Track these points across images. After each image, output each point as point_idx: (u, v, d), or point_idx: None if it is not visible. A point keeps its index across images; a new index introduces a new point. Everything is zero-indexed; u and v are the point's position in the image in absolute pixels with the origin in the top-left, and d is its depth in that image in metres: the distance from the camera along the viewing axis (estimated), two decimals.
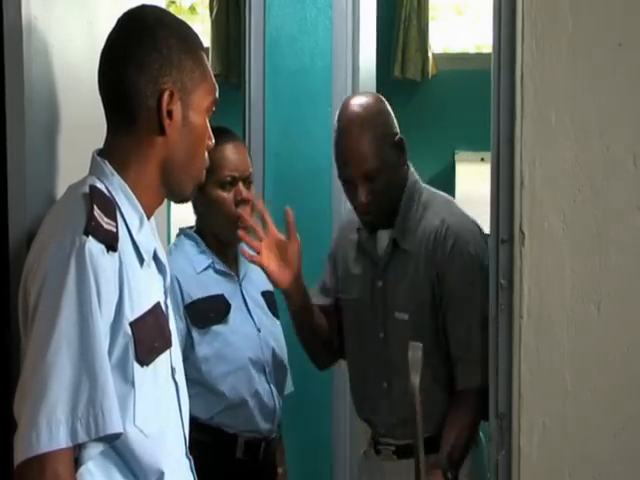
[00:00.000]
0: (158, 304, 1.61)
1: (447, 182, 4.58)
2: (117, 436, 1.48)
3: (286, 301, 2.47)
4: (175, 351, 1.68)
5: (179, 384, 1.68)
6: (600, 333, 2.11)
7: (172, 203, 1.76)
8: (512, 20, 2.13)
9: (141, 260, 1.59)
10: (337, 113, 2.44)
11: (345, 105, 2.43)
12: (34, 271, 1.50)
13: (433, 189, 2.63)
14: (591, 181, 2.11)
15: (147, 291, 1.58)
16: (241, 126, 3.29)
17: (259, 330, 2.64)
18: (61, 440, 1.42)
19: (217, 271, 2.62)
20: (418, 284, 2.43)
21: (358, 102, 2.43)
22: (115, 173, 1.59)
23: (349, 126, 2.38)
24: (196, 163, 1.65)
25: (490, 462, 2.19)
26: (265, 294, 2.69)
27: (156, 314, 1.59)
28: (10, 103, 1.68)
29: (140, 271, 1.57)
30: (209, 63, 1.71)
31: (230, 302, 2.59)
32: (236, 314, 2.60)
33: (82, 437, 1.43)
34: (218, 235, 2.61)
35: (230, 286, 2.62)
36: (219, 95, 1.69)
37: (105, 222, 1.50)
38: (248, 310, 2.63)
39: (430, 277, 2.42)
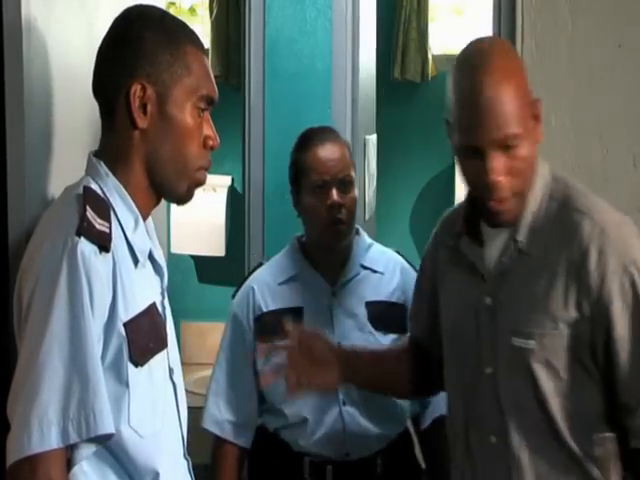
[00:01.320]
0: (153, 304, 1.61)
1: (447, 183, 4.58)
2: (109, 437, 1.48)
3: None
4: (173, 352, 1.68)
5: (177, 385, 1.68)
6: None
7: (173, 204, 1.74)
8: (512, 21, 2.13)
9: (136, 261, 1.58)
10: (460, 63, 1.85)
11: (476, 51, 1.84)
12: (27, 272, 1.50)
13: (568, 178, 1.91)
14: (591, 182, 2.11)
15: (142, 292, 1.58)
16: (240, 128, 3.29)
17: (337, 344, 2.31)
18: (52, 441, 1.42)
19: (305, 281, 2.44)
20: (553, 299, 1.78)
21: (492, 48, 1.84)
22: (110, 173, 1.58)
23: (488, 76, 1.74)
24: (183, 160, 1.61)
25: None
26: (371, 305, 2.44)
27: (151, 314, 1.59)
28: (10, 104, 1.68)
29: (135, 272, 1.57)
30: (208, 62, 1.68)
31: (309, 315, 2.40)
32: (311, 326, 2.33)
33: (73, 438, 1.43)
34: (317, 242, 2.45)
35: (317, 296, 2.43)
36: (219, 96, 1.67)
37: (98, 223, 1.50)
38: (331, 321, 2.41)
39: (576, 297, 1.77)
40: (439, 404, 2.39)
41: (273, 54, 3.16)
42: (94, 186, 1.56)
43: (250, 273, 2.55)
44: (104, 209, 1.53)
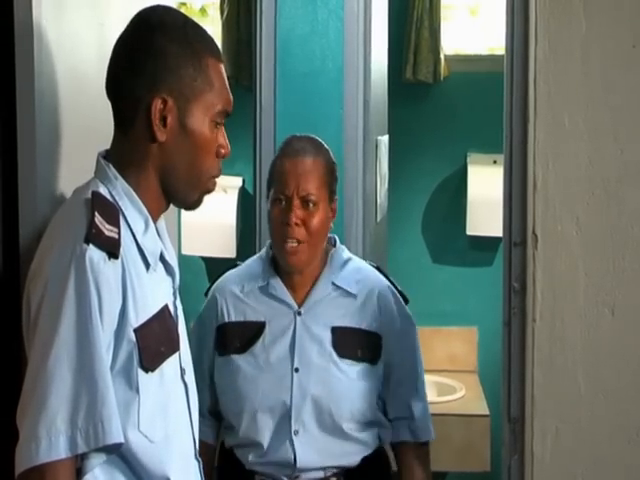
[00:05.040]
0: (165, 307, 1.60)
1: (459, 185, 4.56)
2: (118, 446, 1.47)
3: None
4: (185, 352, 1.67)
5: (189, 385, 1.67)
6: (614, 337, 2.09)
7: None
8: (525, 21, 2.12)
9: (147, 264, 1.58)
10: None
11: None
12: (36, 277, 1.50)
13: None
14: (605, 183, 2.09)
15: (153, 296, 1.57)
16: (251, 128, 3.28)
17: (296, 370, 2.28)
18: (61, 450, 1.42)
19: (271, 296, 2.34)
20: None
21: None
22: (119, 176, 1.58)
23: None
24: (198, 172, 1.62)
25: (503, 466, 2.18)
26: (338, 330, 2.31)
27: (163, 318, 1.58)
28: (21, 105, 1.68)
29: (146, 276, 1.56)
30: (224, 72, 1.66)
31: (270, 332, 2.31)
32: (273, 347, 2.30)
33: (82, 447, 1.43)
34: (277, 258, 2.34)
35: (282, 314, 2.32)
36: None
37: (107, 229, 1.49)
38: (293, 342, 2.30)
39: None
40: (421, 427, 2.38)
41: (284, 54, 3.15)
42: (103, 190, 1.55)
43: (223, 273, 2.45)
44: (113, 214, 1.52)
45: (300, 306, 2.33)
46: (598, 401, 2.09)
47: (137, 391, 1.51)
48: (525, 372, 2.11)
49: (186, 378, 1.66)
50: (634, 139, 2.09)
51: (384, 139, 3.64)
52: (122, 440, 1.46)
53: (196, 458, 1.70)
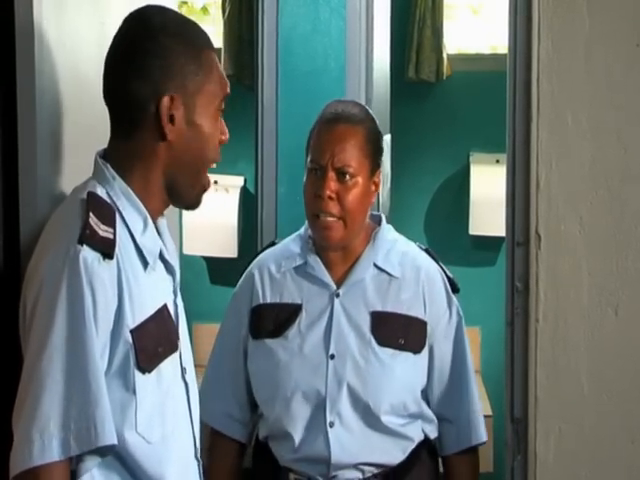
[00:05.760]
0: (164, 307, 1.60)
1: (462, 184, 4.55)
2: (111, 448, 1.47)
3: None
4: (186, 351, 1.67)
5: (189, 384, 1.67)
6: (618, 337, 2.08)
7: None
8: (528, 20, 2.11)
9: (145, 264, 1.57)
10: None
11: None
12: (31, 279, 1.50)
13: None
14: (608, 182, 2.09)
15: (152, 295, 1.57)
16: (253, 127, 3.27)
17: (332, 357, 2.14)
18: (54, 453, 1.42)
19: (309, 276, 2.18)
20: None
21: None
22: (117, 177, 1.57)
23: None
24: (202, 162, 1.62)
25: (506, 467, 2.17)
26: (377, 315, 2.15)
27: (161, 318, 1.58)
28: (21, 103, 1.68)
29: (144, 276, 1.56)
30: (220, 63, 1.68)
31: (307, 314, 2.16)
32: (309, 332, 2.15)
33: (74, 450, 1.43)
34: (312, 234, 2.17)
35: (319, 295, 2.17)
36: (231, 96, 1.67)
37: (101, 229, 1.49)
38: (330, 325, 2.15)
39: None
40: (466, 429, 2.20)
41: (286, 53, 3.14)
42: (100, 190, 1.55)
43: (260, 252, 2.32)
44: (109, 214, 1.52)
45: (339, 287, 2.17)
46: (602, 401, 2.08)
47: (134, 392, 1.50)
48: (528, 372, 2.10)
49: (187, 377, 1.66)
50: (638, 138, 2.08)
51: (386, 138, 3.63)
52: (115, 442, 1.46)
53: (196, 458, 1.69)
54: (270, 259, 2.25)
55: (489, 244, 4.47)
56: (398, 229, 2.40)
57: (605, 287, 2.08)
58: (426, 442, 2.21)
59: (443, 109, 4.58)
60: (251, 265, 2.28)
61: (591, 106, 2.09)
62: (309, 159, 2.14)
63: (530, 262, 2.10)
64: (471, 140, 4.53)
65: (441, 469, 2.29)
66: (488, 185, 4.37)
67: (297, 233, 2.27)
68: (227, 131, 1.66)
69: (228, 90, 1.66)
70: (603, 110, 2.08)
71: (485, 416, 3.94)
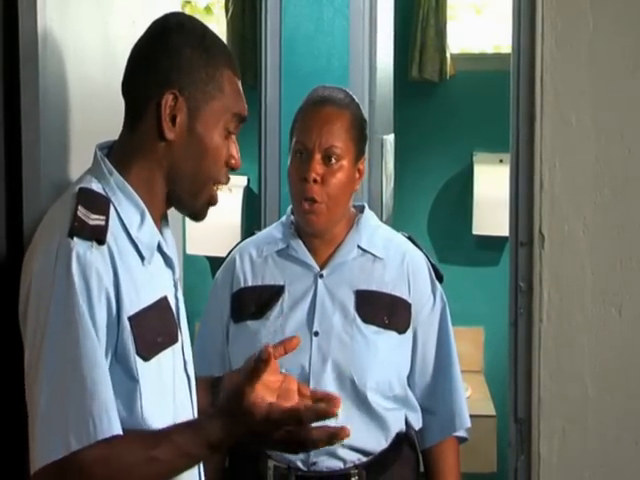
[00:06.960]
0: (164, 298, 1.60)
1: (465, 184, 4.55)
2: (112, 439, 1.47)
3: None
4: (187, 344, 1.67)
5: (191, 377, 1.67)
6: (621, 337, 2.08)
7: None
8: (532, 20, 2.11)
9: (142, 258, 1.57)
10: None
11: None
12: (25, 274, 1.51)
13: None
14: (612, 183, 2.08)
15: (150, 286, 1.57)
16: (256, 127, 3.27)
17: (315, 334, 2.12)
18: (57, 451, 1.42)
19: (291, 257, 2.18)
20: None
21: None
22: (114, 171, 1.58)
23: None
24: (204, 178, 1.62)
25: (509, 467, 2.17)
26: (361, 294, 2.14)
27: (160, 308, 1.58)
28: (25, 102, 1.68)
29: (140, 268, 1.56)
30: (241, 87, 1.66)
31: (289, 295, 2.15)
32: (292, 312, 2.14)
33: (75, 446, 1.43)
34: (296, 219, 2.18)
35: (302, 276, 2.16)
36: None
37: (91, 219, 1.50)
38: (313, 306, 2.14)
39: None
40: (449, 418, 2.18)
41: (289, 53, 3.14)
42: (95, 185, 1.56)
43: (241, 241, 2.33)
44: (100, 204, 1.53)
45: (322, 269, 2.16)
46: (605, 402, 2.08)
47: (137, 379, 1.51)
48: (532, 373, 2.10)
49: (188, 370, 1.66)
50: None
51: (390, 138, 3.63)
52: (117, 433, 1.46)
53: None
54: (251, 245, 2.26)
55: (492, 244, 4.46)
56: (401, 228, 2.39)
57: (608, 287, 2.08)
58: (407, 436, 2.19)
59: (446, 109, 4.57)
60: (232, 252, 2.28)
61: (595, 106, 2.09)
62: (294, 140, 2.15)
63: (534, 262, 2.10)
64: (474, 140, 4.52)
65: (421, 468, 2.27)
66: (491, 185, 4.37)
67: (278, 221, 2.29)
68: (238, 157, 1.65)
69: (244, 113, 1.65)
70: (607, 110, 2.08)
71: (488, 416, 3.99)
